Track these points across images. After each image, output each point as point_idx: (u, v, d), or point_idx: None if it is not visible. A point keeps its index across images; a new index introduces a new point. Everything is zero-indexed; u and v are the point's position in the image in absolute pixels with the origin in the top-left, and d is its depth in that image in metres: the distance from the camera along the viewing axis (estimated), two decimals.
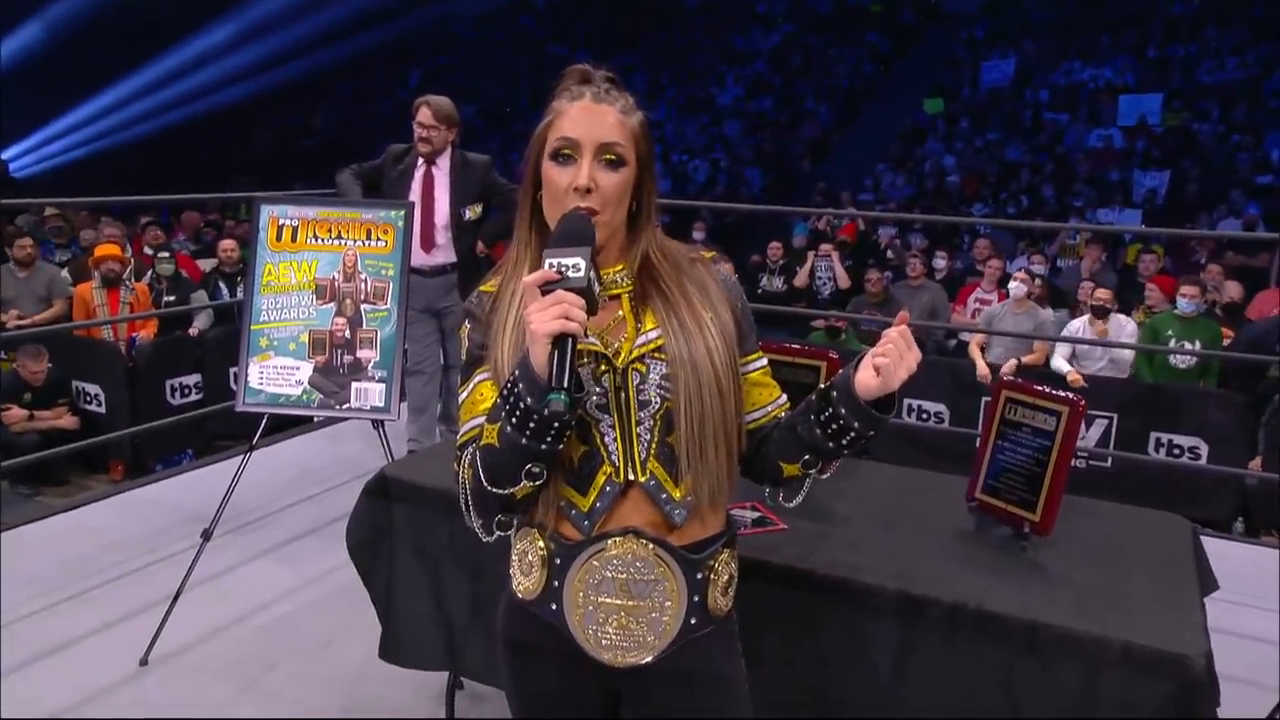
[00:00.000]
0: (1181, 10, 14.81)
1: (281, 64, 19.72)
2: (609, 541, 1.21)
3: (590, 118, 1.19)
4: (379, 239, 2.95)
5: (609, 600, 1.21)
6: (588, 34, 19.49)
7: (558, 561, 1.23)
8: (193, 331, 6.14)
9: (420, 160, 3.95)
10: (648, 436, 1.21)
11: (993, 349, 5.85)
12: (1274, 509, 4.57)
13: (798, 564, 1.70)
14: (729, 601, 1.30)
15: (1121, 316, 5.62)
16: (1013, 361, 5.57)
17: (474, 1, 21.37)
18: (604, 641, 1.22)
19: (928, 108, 14.76)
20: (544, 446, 1.11)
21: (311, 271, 2.94)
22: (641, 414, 1.21)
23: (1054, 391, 1.83)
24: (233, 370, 5.37)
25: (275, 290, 2.94)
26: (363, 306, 2.93)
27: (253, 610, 2.99)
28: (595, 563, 1.21)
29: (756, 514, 1.89)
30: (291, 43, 19.60)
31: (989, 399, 2.34)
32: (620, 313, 1.24)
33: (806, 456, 1.25)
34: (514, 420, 1.10)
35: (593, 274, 1.09)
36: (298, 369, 2.91)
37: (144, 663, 2.66)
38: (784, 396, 1.35)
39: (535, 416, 1.09)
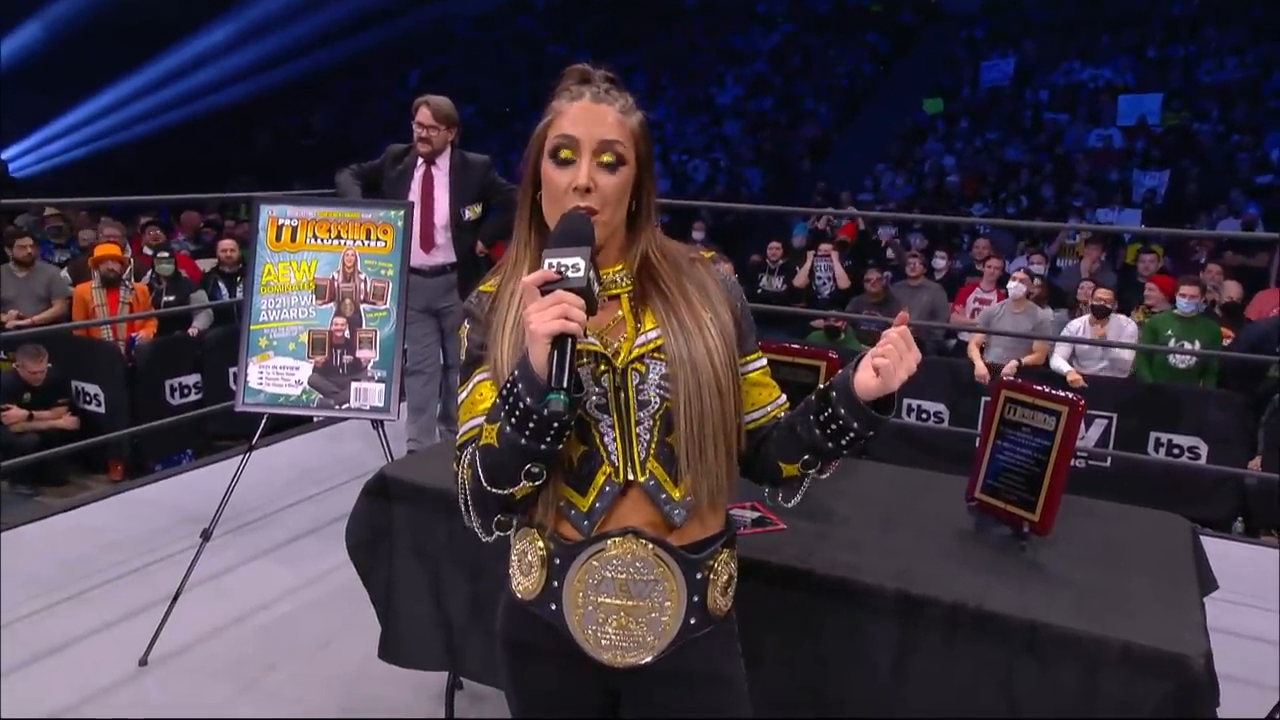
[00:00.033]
0: (1181, 10, 14.81)
1: (281, 64, 19.72)
2: (608, 542, 1.21)
3: (590, 117, 1.19)
4: (378, 239, 2.95)
5: (608, 600, 1.21)
6: (587, 34, 19.49)
7: (557, 561, 1.23)
8: (192, 331, 6.14)
9: (420, 160, 3.95)
10: (647, 436, 1.21)
11: (992, 349, 5.85)
12: (1274, 509, 4.57)
13: (797, 564, 1.69)
14: (728, 601, 1.30)
15: (1121, 317, 5.61)
16: (1013, 362, 5.56)
17: (473, 1, 21.37)
18: (603, 641, 1.22)
19: (927, 108, 14.76)
20: (543, 447, 1.11)
21: (311, 271, 2.94)
22: (641, 414, 1.21)
23: (1053, 391, 1.83)
24: (232, 370, 5.38)
25: (275, 290, 2.94)
26: (362, 306, 2.93)
27: (252, 610, 2.98)
28: (595, 563, 1.21)
29: (756, 514, 1.89)
30: (291, 43, 19.61)
31: (988, 399, 2.34)
32: (620, 313, 1.24)
33: (806, 456, 1.25)
34: (513, 420, 1.10)
35: (592, 274, 1.09)
36: (297, 369, 2.91)
37: (144, 663, 2.66)
38: (783, 396, 1.35)
39: (535, 416, 1.08)
